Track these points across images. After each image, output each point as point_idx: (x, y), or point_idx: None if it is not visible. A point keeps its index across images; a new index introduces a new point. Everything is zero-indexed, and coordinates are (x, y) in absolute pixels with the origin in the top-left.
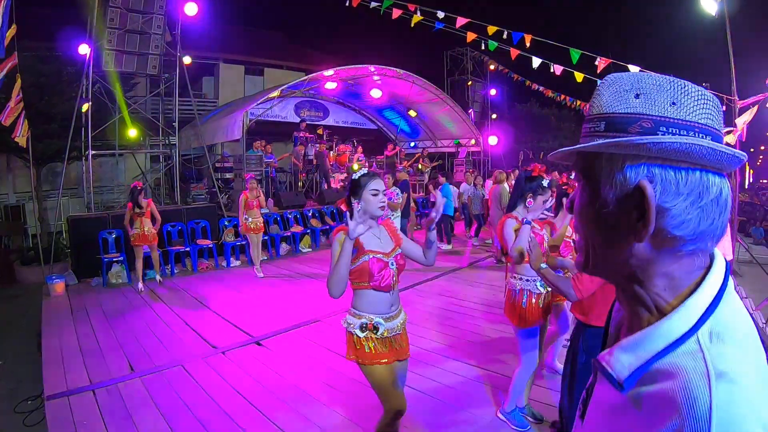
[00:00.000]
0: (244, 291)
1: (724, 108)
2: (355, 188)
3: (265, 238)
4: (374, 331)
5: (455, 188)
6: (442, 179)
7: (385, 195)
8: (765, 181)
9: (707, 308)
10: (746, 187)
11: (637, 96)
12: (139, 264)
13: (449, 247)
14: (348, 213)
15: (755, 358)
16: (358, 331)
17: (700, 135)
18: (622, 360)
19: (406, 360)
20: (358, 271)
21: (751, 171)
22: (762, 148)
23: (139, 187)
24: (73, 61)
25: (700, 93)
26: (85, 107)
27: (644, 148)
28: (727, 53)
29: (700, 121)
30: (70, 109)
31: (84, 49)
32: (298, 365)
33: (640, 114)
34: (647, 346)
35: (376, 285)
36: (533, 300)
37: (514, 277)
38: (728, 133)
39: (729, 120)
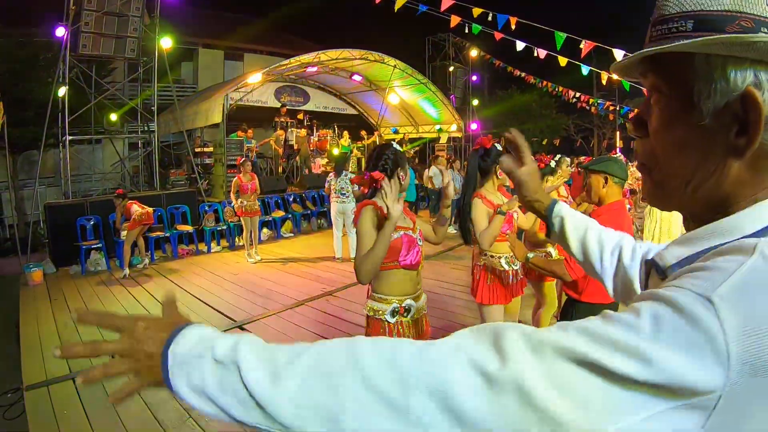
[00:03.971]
0: (226, 276)
1: None
2: (402, 161)
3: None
4: (406, 315)
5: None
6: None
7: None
8: None
9: None
10: None
11: None
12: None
13: None
14: (384, 189)
15: None
16: (389, 318)
17: None
18: (673, 251)
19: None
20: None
21: None
22: None
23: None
24: (49, 46)
25: None
26: (61, 91)
27: (755, 48)
28: None
29: None
30: (46, 95)
31: (61, 32)
32: None
33: (736, 12)
34: (702, 241)
35: (408, 264)
36: (497, 277)
37: (480, 254)
38: None
39: None
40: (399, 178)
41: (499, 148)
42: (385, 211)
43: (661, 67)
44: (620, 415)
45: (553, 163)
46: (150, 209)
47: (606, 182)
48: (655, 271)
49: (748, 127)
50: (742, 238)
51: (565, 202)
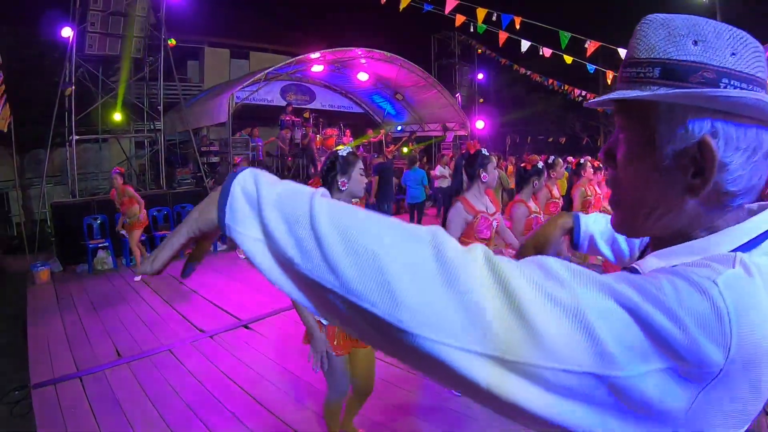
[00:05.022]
0: (231, 275)
1: None
2: (344, 166)
3: None
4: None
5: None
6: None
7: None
8: None
9: (756, 238)
10: None
11: (695, 43)
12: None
13: None
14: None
15: None
16: (322, 319)
17: (759, 89)
18: (651, 262)
19: (367, 348)
20: None
21: None
22: None
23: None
24: (55, 45)
25: (756, 45)
26: (68, 91)
27: (715, 101)
28: None
29: (758, 75)
30: (53, 94)
31: (67, 32)
32: (286, 348)
33: (700, 63)
34: (679, 257)
35: None
36: None
37: None
38: None
39: None
40: (338, 185)
41: (485, 152)
42: None
43: (628, 110)
44: (638, 363)
45: (540, 164)
46: (137, 217)
47: None
48: None
49: (704, 171)
50: (716, 255)
51: (558, 202)
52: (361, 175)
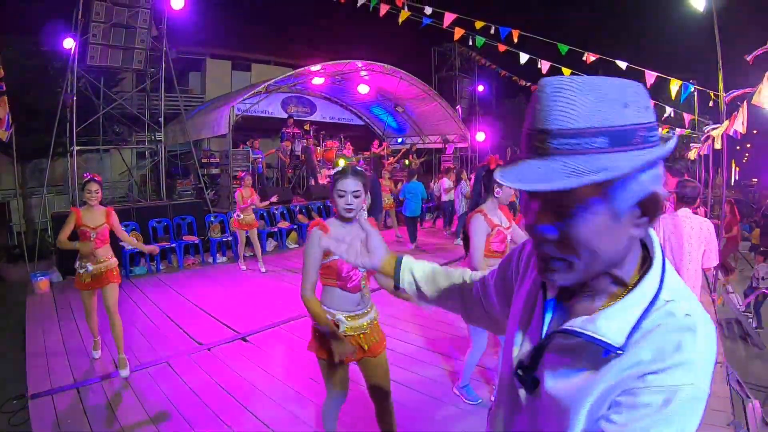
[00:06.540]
0: (230, 287)
1: (711, 104)
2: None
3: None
4: (336, 329)
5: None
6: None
7: (355, 196)
8: (755, 180)
9: (660, 276)
10: (732, 184)
11: (626, 106)
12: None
13: (412, 246)
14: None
15: (698, 304)
16: (319, 326)
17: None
18: (611, 327)
19: (378, 357)
20: (327, 267)
21: (737, 168)
22: (748, 145)
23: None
24: (58, 55)
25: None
26: (70, 103)
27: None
28: (714, 49)
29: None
30: (55, 104)
31: (69, 44)
32: (284, 361)
33: (635, 125)
34: (631, 310)
35: (343, 285)
36: None
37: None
38: (715, 128)
39: (716, 116)
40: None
41: None
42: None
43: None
44: None
45: None
46: (114, 264)
47: None
48: (593, 343)
49: (650, 211)
50: (653, 300)
51: None
52: (340, 196)
